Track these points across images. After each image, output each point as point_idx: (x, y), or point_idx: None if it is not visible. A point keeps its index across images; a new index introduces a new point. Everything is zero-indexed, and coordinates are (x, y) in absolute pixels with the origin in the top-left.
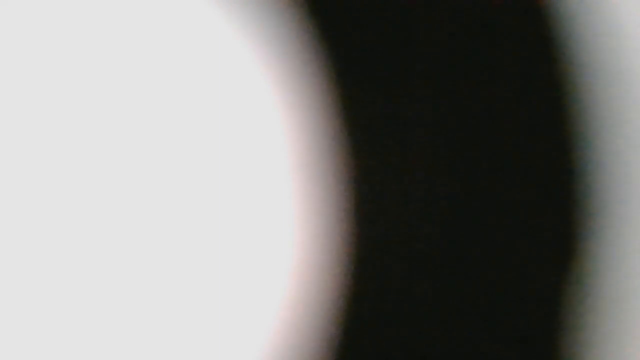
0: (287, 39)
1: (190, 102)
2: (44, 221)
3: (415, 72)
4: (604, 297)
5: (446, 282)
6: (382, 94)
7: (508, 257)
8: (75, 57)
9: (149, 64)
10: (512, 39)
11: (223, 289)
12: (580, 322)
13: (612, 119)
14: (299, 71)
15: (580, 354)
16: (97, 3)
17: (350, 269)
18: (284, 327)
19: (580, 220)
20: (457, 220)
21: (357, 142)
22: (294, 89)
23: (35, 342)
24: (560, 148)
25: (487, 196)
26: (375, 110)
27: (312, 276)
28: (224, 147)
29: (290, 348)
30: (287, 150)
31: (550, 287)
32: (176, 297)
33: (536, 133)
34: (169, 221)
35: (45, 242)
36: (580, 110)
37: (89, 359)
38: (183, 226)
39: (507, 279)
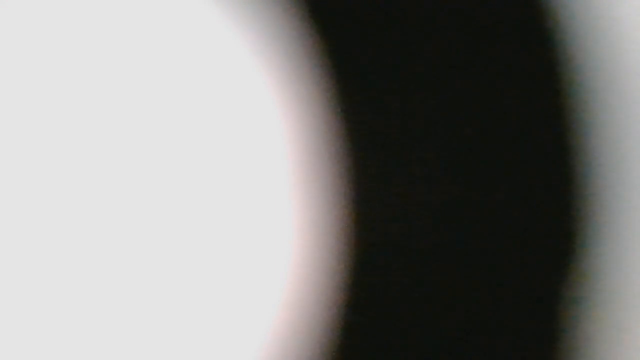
0: (286, 39)
1: (190, 102)
2: (44, 221)
3: (415, 72)
4: (604, 297)
5: (446, 282)
6: (382, 94)
7: (508, 256)
8: (75, 57)
9: (149, 63)
10: (511, 38)
11: (223, 288)
12: (580, 322)
13: (612, 118)
14: (298, 71)
15: (580, 354)
16: (97, 3)
17: (349, 269)
18: (284, 327)
19: (580, 220)
20: (457, 220)
21: (357, 142)
22: (294, 88)
23: (35, 342)
24: (559, 147)
25: (487, 196)
26: (375, 110)
27: (311, 276)
28: (223, 147)
29: (290, 348)
30: (286, 150)
31: (550, 287)
32: (176, 297)
33: (536, 133)
34: (169, 221)
35: (46, 242)
36: (580, 110)
37: (89, 359)
38: (182, 225)
39: (506, 278)
